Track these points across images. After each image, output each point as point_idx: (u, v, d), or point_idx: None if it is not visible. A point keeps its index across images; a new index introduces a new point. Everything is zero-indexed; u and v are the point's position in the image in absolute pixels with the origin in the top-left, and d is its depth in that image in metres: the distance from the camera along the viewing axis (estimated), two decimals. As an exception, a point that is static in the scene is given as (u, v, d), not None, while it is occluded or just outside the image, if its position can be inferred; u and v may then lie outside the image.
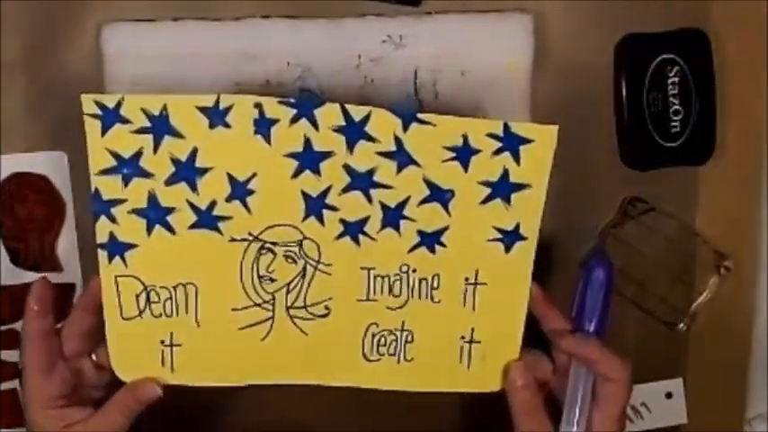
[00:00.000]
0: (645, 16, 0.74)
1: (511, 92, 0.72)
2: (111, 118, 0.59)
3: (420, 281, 0.63)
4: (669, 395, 0.79)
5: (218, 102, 0.60)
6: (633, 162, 0.75)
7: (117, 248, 0.61)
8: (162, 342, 0.63)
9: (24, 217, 0.73)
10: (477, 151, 0.62)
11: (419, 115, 0.61)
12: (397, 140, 0.61)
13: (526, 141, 0.62)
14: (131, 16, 0.71)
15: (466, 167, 0.62)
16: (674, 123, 0.74)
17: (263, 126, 0.60)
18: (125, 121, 0.59)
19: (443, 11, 0.72)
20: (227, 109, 0.60)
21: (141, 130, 0.60)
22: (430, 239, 0.63)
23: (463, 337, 0.64)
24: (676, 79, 0.74)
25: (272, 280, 0.63)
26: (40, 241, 0.73)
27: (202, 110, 0.60)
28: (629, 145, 0.75)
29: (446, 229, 0.63)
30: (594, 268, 0.64)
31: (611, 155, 0.75)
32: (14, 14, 0.71)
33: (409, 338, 0.64)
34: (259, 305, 0.63)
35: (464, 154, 0.62)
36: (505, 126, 0.62)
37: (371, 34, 0.72)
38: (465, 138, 0.61)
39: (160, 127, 0.59)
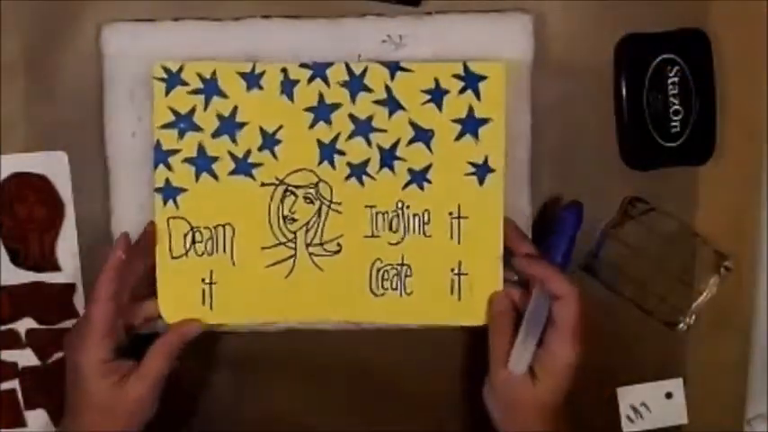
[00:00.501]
0: (645, 16, 0.74)
1: (511, 92, 0.72)
2: (173, 81, 0.70)
3: (414, 216, 0.72)
4: (669, 395, 0.79)
5: (254, 68, 0.70)
6: (633, 162, 0.75)
7: (171, 193, 0.71)
8: (203, 280, 0.71)
9: (24, 217, 0.73)
10: (447, 92, 0.71)
11: (401, 63, 0.71)
12: (387, 89, 0.71)
13: (482, 78, 0.70)
14: (131, 16, 0.71)
15: (440, 107, 0.71)
16: (674, 123, 0.74)
17: (288, 86, 0.71)
18: (184, 83, 0.70)
19: (443, 11, 0.72)
20: (261, 74, 0.70)
21: (195, 91, 0.70)
22: (418, 177, 0.71)
23: (453, 270, 0.72)
24: (676, 79, 0.74)
25: (294, 220, 0.72)
26: (40, 241, 0.73)
27: (242, 75, 0.70)
28: (629, 145, 0.75)
29: (430, 166, 0.71)
30: (566, 209, 0.72)
31: (612, 155, 0.75)
32: (14, 14, 0.71)
33: (408, 272, 0.72)
34: (284, 244, 0.72)
35: (437, 95, 0.71)
36: (465, 66, 0.71)
37: (371, 34, 0.72)
38: (436, 80, 0.71)
39: (210, 88, 0.70)
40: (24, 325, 0.74)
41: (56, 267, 0.74)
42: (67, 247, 0.74)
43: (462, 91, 0.70)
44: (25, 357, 0.75)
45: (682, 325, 0.77)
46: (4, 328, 0.74)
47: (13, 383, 0.75)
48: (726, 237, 0.77)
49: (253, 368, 0.76)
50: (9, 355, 0.75)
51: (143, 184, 0.72)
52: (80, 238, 0.74)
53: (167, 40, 0.71)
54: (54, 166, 0.73)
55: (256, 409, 0.77)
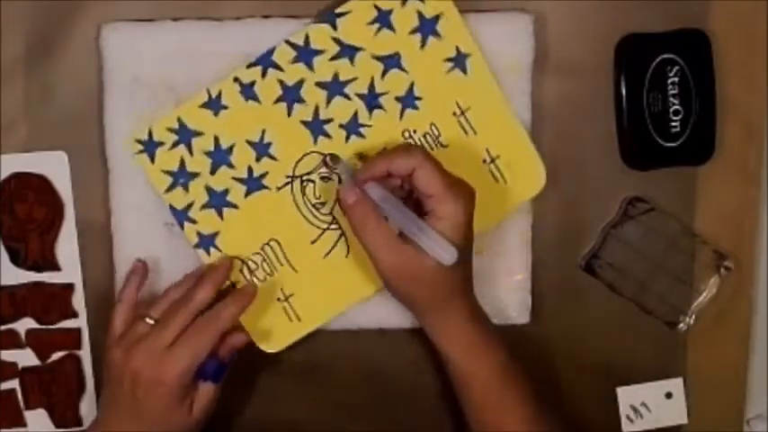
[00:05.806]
0: (645, 16, 0.74)
1: (511, 92, 0.72)
2: (151, 147, 0.70)
3: (424, 136, 0.72)
4: (669, 395, 0.79)
5: (209, 94, 0.70)
6: (633, 162, 0.75)
7: (207, 242, 0.72)
8: (278, 299, 0.72)
9: (24, 217, 0.73)
10: (390, 11, 0.70)
11: (336, 10, 0.70)
12: (335, 40, 0.70)
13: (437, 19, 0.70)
14: (131, 16, 0.71)
15: (392, 29, 0.70)
16: (674, 123, 0.74)
17: (248, 91, 0.70)
18: (160, 144, 0.70)
19: (443, 11, 0.72)
20: (219, 95, 0.70)
21: (174, 144, 0.70)
22: (408, 100, 0.71)
23: (485, 161, 0.72)
24: (676, 79, 0.74)
25: (324, 203, 0.72)
26: (40, 241, 0.73)
27: (203, 105, 0.70)
28: (629, 145, 0.75)
29: (413, 85, 0.71)
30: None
31: (611, 155, 0.75)
32: (14, 14, 0.71)
33: None
34: (328, 229, 0.72)
35: (384, 20, 0.70)
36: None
37: (371, 34, 0.72)
38: (377, 6, 0.70)
39: (184, 135, 0.70)
40: (24, 325, 0.74)
41: (56, 267, 0.74)
42: (67, 247, 0.74)
43: (404, 2, 0.70)
44: (25, 357, 0.75)
45: (682, 325, 0.77)
46: (4, 328, 0.74)
47: (13, 383, 0.75)
48: (726, 237, 0.77)
49: (253, 368, 0.76)
50: (9, 355, 0.75)
51: (143, 184, 0.72)
52: (80, 238, 0.74)
53: (167, 40, 0.71)
54: (54, 166, 0.73)
55: (257, 410, 0.77)
